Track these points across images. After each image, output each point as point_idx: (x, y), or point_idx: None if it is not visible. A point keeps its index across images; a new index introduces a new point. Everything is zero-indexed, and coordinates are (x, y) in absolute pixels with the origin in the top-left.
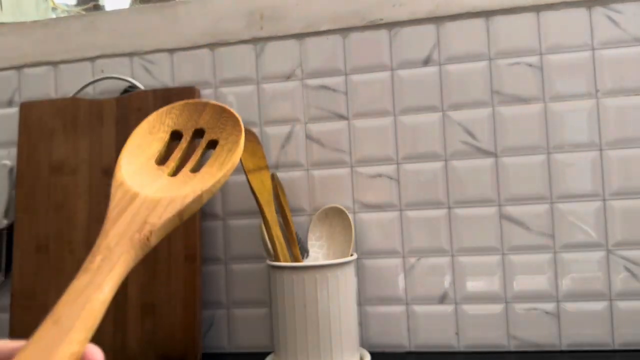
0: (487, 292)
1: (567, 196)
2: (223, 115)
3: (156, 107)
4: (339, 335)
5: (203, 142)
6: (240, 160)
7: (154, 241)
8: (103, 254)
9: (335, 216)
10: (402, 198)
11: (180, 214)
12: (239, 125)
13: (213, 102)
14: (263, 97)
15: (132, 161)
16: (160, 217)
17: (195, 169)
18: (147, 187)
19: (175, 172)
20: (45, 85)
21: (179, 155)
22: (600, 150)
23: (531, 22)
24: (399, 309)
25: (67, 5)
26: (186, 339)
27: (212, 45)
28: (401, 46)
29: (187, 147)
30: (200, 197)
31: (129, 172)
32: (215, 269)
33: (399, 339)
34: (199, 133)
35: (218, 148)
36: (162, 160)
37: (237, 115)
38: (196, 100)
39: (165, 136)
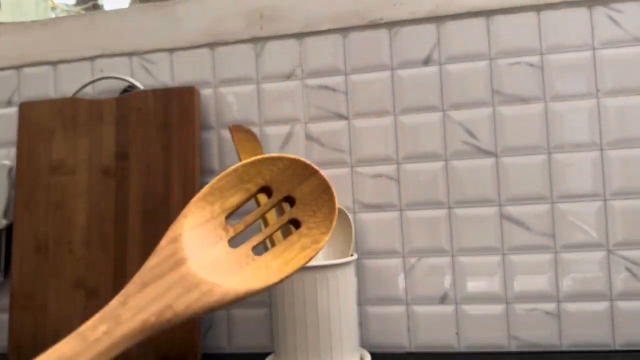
0: (488, 292)
1: (568, 196)
2: (323, 195)
3: (156, 107)
4: (339, 335)
5: (285, 218)
6: (240, 160)
7: (166, 327)
8: (108, 325)
9: None
10: (402, 198)
11: (210, 309)
12: (331, 220)
13: (322, 173)
14: (263, 96)
15: (204, 208)
16: (188, 307)
17: (261, 250)
18: (198, 255)
19: (237, 238)
20: (45, 85)
21: (252, 221)
22: (601, 150)
23: (532, 21)
24: (399, 309)
25: (67, 5)
26: (186, 339)
27: (211, 45)
28: (401, 46)
29: (268, 211)
30: (241, 296)
31: (192, 224)
32: None
33: (399, 339)
34: (288, 199)
35: (295, 235)
36: (233, 213)
37: (336, 203)
38: (307, 162)
39: (253, 189)
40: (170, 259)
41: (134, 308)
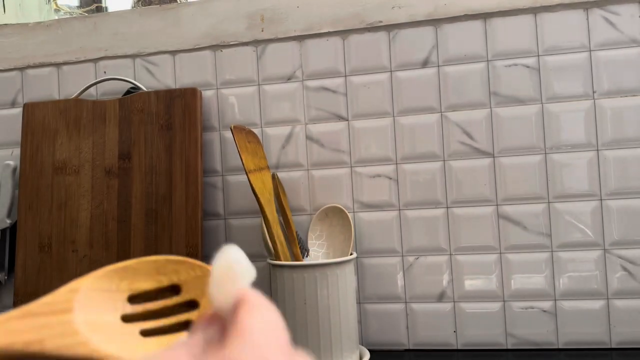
0: (485, 290)
1: (564, 196)
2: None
3: (159, 108)
4: (339, 333)
5: (183, 317)
6: (242, 160)
7: (31, 358)
8: None
9: (335, 216)
10: (401, 198)
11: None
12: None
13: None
14: (264, 98)
15: (111, 279)
16: (57, 349)
17: (149, 333)
18: (87, 312)
19: (132, 319)
20: (49, 86)
21: (151, 309)
22: (597, 150)
23: (528, 23)
24: (398, 307)
25: (70, 7)
26: None
27: (213, 47)
28: (400, 48)
29: (172, 308)
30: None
31: (94, 285)
32: None
33: (398, 337)
34: (192, 303)
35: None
36: (137, 299)
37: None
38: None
39: (165, 282)
40: (61, 304)
41: (7, 330)
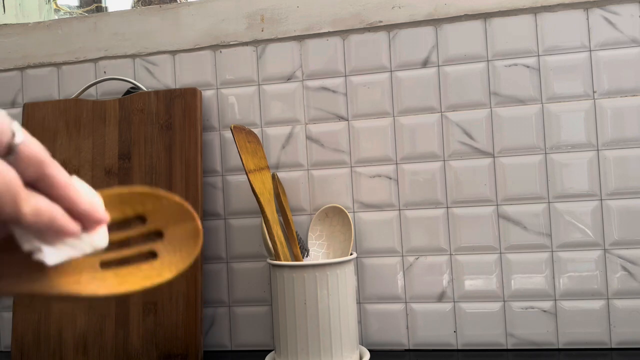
0: (485, 290)
1: (564, 196)
2: (191, 241)
3: (158, 108)
4: (339, 333)
5: (146, 248)
6: (242, 160)
7: None
8: None
9: (335, 216)
10: (401, 198)
11: (20, 286)
12: (185, 264)
13: (199, 223)
14: (264, 98)
15: None
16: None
17: (111, 265)
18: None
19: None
20: (49, 86)
21: (113, 240)
22: (597, 150)
23: (529, 23)
24: (398, 307)
25: (70, 7)
26: (188, 336)
27: (213, 47)
28: (400, 48)
29: (137, 239)
30: (50, 294)
31: None
32: (216, 267)
33: (398, 337)
34: (158, 233)
35: (146, 265)
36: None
37: (197, 253)
38: (189, 207)
39: (129, 213)
40: None
41: None
